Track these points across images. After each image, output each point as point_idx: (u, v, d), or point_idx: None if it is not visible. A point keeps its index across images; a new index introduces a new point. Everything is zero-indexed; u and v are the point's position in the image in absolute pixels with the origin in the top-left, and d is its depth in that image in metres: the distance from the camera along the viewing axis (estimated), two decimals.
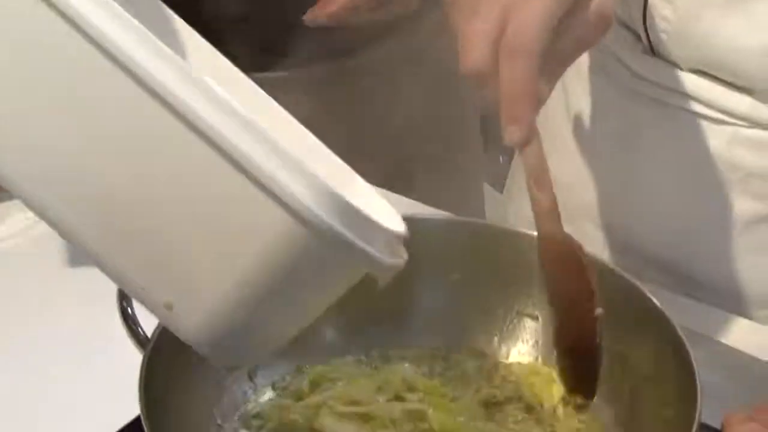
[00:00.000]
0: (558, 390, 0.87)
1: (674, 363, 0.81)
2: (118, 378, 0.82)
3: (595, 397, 0.86)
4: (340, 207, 0.55)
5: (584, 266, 0.80)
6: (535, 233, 0.90)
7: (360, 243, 0.56)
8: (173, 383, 0.81)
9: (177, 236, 0.58)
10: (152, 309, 0.60)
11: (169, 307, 0.58)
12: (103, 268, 0.60)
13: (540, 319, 0.91)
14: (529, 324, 0.91)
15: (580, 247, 0.81)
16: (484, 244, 0.92)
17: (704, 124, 0.98)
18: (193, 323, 0.59)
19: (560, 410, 0.85)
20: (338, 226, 0.55)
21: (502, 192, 1.29)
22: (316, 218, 0.54)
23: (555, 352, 0.87)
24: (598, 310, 0.81)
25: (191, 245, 0.57)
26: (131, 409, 0.85)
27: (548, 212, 0.79)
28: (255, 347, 0.63)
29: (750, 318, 1.02)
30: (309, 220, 0.54)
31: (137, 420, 0.75)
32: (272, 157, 0.55)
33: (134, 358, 0.80)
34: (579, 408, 0.86)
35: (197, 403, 0.84)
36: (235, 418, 0.87)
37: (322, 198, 0.55)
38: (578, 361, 0.84)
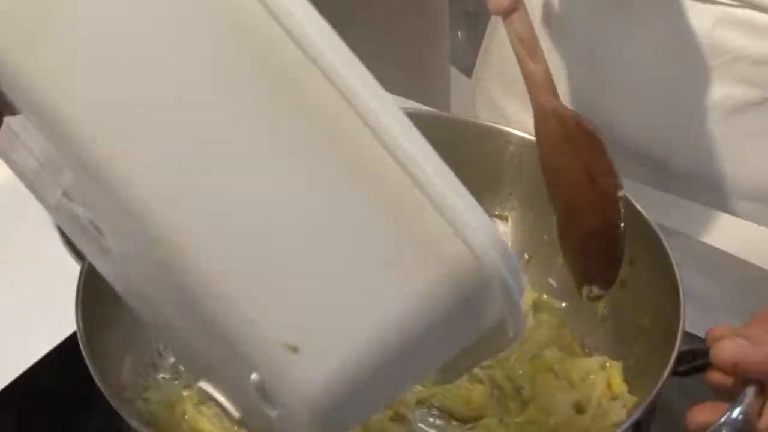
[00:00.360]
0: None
1: (651, 264, 0.76)
2: (54, 293, 0.76)
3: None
4: (504, 250, 0.47)
5: (598, 140, 0.73)
6: (506, 128, 0.85)
7: (515, 289, 0.48)
8: (114, 298, 0.74)
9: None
10: (260, 354, 0.46)
11: (293, 349, 0.45)
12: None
13: (510, 220, 0.87)
14: (498, 226, 0.86)
15: (589, 121, 0.73)
16: (448, 139, 0.85)
17: (689, 3, 0.91)
18: (321, 372, 0.45)
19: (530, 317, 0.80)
20: (505, 271, 0.47)
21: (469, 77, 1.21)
22: (491, 258, 0.46)
23: (562, 243, 0.79)
24: (621, 191, 0.73)
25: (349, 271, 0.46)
26: (68, 325, 0.80)
27: (543, 83, 0.72)
28: (366, 408, 0.51)
29: (731, 212, 0.97)
30: (484, 258, 0.46)
31: (73, 336, 0.69)
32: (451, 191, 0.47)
33: (71, 273, 0.73)
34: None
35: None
36: None
37: (494, 239, 0.47)
38: (597, 246, 0.77)
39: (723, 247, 0.91)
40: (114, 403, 0.63)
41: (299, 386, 0.44)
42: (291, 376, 0.44)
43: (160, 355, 0.78)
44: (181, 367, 0.76)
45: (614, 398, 0.73)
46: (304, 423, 0.45)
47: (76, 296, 0.71)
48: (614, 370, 0.75)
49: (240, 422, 0.52)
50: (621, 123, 0.99)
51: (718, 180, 0.97)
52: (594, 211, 0.75)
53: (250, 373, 0.45)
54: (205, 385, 0.52)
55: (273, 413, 0.46)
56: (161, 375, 0.78)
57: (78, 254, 0.76)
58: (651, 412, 0.65)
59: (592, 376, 0.74)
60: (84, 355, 0.66)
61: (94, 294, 0.71)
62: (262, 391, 0.46)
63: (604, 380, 0.74)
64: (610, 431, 0.64)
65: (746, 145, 0.95)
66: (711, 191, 0.97)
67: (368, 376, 0.45)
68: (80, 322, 0.68)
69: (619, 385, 0.73)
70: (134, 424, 0.62)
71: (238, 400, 0.51)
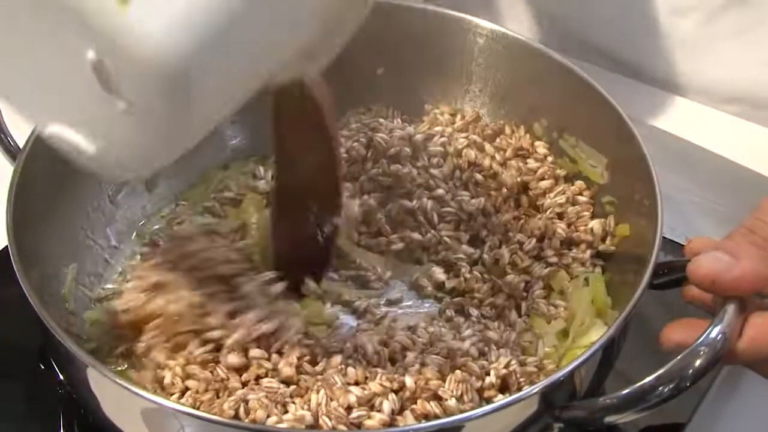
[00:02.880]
0: None
1: (628, 164, 0.71)
2: None
3: None
4: None
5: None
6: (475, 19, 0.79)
7: None
8: (50, 201, 0.69)
9: None
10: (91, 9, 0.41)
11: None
12: None
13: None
14: None
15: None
16: (418, 31, 0.81)
17: None
18: (159, 21, 0.40)
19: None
20: None
21: None
22: None
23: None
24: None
25: None
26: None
27: None
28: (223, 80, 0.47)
29: None
30: None
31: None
32: None
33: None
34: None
35: (78, 221, 0.73)
36: (132, 237, 0.76)
37: None
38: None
39: (704, 144, 0.86)
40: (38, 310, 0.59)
41: (138, 44, 0.40)
42: (128, 33, 0.40)
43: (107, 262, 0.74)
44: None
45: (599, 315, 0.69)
46: (157, 89, 0.42)
47: (7, 198, 0.65)
48: (599, 283, 0.71)
49: (93, 159, 0.49)
50: (599, 32, 0.94)
51: (698, 84, 0.92)
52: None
53: (87, 52, 0.41)
54: (54, 129, 0.49)
55: (120, 105, 0.43)
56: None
57: (10, 151, 0.71)
58: (625, 327, 0.60)
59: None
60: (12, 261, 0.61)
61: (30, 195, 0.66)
62: (103, 73, 0.42)
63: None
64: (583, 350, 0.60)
65: (727, 45, 0.89)
66: (690, 96, 0.92)
67: (211, 29, 0.41)
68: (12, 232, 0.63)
69: (603, 300, 0.70)
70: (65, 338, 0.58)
71: (85, 126, 0.48)
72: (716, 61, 0.89)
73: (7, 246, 0.62)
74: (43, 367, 0.70)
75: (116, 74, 0.42)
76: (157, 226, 0.77)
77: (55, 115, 0.49)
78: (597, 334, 0.66)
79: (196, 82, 0.43)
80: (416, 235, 0.74)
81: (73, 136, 0.49)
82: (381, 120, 0.81)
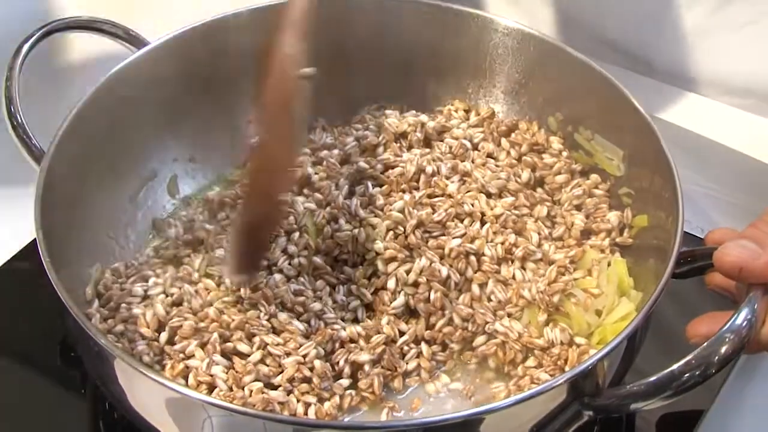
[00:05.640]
0: None
1: (646, 158, 0.71)
2: (10, 199, 0.71)
3: None
4: None
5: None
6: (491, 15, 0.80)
7: None
8: (74, 202, 0.70)
9: None
10: None
11: None
12: None
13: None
14: None
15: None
16: (435, 28, 0.81)
17: None
18: None
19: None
20: None
21: None
22: None
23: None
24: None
25: None
26: (25, 233, 0.76)
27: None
28: None
29: None
30: None
31: (32, 244, 0.64)
32: None
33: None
34: None
35: (101, 222, 0.73)
36: (151, 237, 0.77)
37: None
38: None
39: (716, 138, 0.87)
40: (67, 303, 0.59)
41: None
42: None
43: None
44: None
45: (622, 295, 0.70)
46: None
47: (35, 199, 0.65)
48: (621, 265, 0.71)
49: None
50: (611, 25, 0.95)
51: (709, 76, 0.93)
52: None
53: None
54: None
55: None
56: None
57: (34, 155, 0.71)
58: (649, 317, 0.61)
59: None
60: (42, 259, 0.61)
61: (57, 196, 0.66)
62: None
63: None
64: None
65: (735, 36, 0.90)
66: (702, 90, 0.93)
67: None
68: (41, 231, 0.63)
69: (625, 281, 0.70)
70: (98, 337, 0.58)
71: None
72: (725, 52, 0.90)
73: (26, 246, 0.64)
74: (62, 364, 0.71)
75: None
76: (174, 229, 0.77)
77: None
78: (624, 311, 0.67)
79: None
80: None
81: None
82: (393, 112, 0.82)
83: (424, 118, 0.80)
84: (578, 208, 0.76)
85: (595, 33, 0.95)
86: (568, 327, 0.68)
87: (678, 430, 0.70)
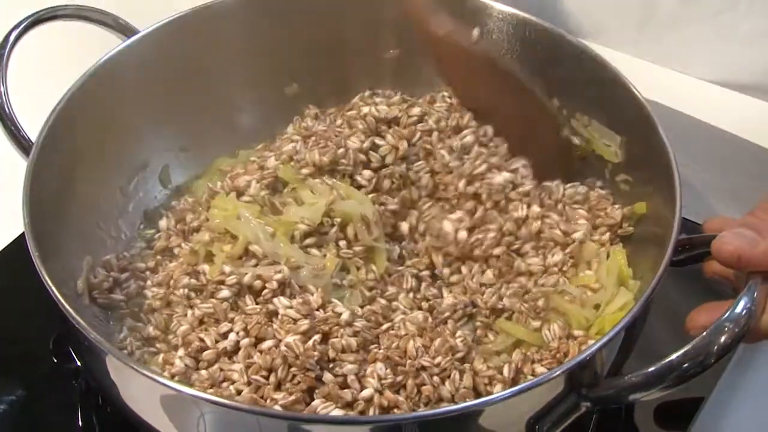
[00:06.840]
0: None
1: (644, 144, 0.70)
2: None
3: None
4: None
5: None
6: None
7: None
8: (63, 193, 0.69)
9: None
10: None
11: None
12: None
13: None
14: None
15: None
16: None
17: None
18: None
19: None
20: None
21: None
22: None
23: None
24: None
25: None
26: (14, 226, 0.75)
27: None
28: None
29: None
30: None
31: (21, 237, 0.63)
32: None
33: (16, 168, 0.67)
34: None
35: (91, 214, 0.73)
36: (142, 227, 0.76)
37: None
38: None
39: (710, 121, 0.86)
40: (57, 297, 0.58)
41: None
42: None
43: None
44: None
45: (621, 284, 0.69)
46: None
47: (23, 190, 0.64)
48: (620, 256, 0.71)
49: None
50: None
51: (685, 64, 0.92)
52: None
53: None
54: None
55: None
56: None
57: (22, 146, 0.70)
58: (647, 306, 0.60)
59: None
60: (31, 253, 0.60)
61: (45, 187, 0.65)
62: None
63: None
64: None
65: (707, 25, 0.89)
66: None
67: None
68: (28, 222, 0.62)
69: (625, 271, 0.69)
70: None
71: None
72: (699, 40, 0.89)
73: (16, 239, 0.63)
74: (56, 361, 0.70)
75: None
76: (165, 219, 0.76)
77: None
78: (623, 300, 0.66)
79: None
80: None
81: None
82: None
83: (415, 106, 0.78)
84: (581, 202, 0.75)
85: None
86: (566, 324, 0.67)
87: (677, 419, 0.69)
